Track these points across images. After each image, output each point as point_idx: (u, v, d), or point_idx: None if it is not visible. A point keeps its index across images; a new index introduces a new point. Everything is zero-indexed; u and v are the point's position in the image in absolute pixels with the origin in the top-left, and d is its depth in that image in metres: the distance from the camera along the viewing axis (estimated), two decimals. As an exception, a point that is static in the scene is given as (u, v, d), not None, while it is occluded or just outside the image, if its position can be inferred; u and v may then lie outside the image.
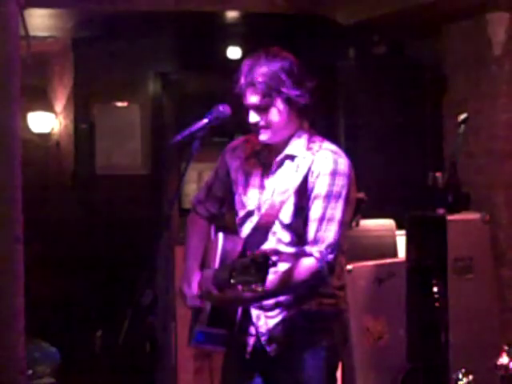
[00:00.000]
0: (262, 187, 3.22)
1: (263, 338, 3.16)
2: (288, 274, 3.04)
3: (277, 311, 3.16)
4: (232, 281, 2.90)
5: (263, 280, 2.84)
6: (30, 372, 5.24)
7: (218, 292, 3.05)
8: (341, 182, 3.09)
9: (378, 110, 6.74)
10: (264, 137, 3.15)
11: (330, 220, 3.06)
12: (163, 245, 5.06)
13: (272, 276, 3.01)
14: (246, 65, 3.11)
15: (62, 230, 7.30)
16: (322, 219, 3.06)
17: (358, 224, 5.08)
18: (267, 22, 6.70)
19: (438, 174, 5.23)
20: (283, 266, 3.07)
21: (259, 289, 2.87)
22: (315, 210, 3.07)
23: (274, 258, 2.95)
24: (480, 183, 5.70)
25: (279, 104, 3.10)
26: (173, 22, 6.72)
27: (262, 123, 3.13)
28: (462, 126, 5.00)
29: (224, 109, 3.15)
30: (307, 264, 3.04)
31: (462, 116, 5.03)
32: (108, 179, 7.43)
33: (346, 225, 3.15)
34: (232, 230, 3.29)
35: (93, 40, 7.14)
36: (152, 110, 7.51)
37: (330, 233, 3.06)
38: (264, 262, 2.85)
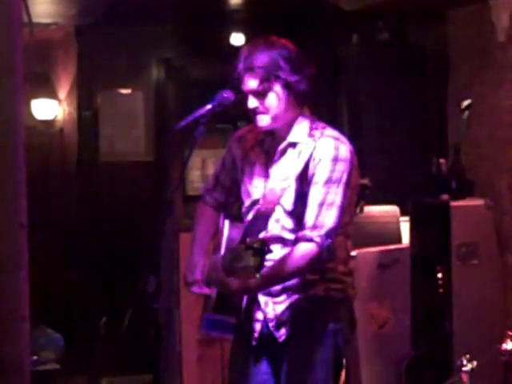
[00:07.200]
0: (266, 176, 3.22)
1: (271, 324, 3.17)
2: (287, 259, 3.05)
3: (284, 296, 3.16)
4: (229, 267, 2.91)
5: (259, 266, 2.84)
6: (35, 358, 5.26)
7: (226, 277, 3.05)
8: (341, 168, 3.08)
9: (382, 97, 6.72)
10: (263, 122, 3.15)
11: (330, 205, 3.06)
12: (167, 231, 5.06)
13: (271, 262, 3.02)
14: (245, 51, 3.13)
15: (66, 217, 7.32)
16: (321, 204, 3.06)
17: (362, 210, 5.08)
18: (271, 7, 6.68)
19: (442, 161, 5.23)
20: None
21: (257, 275, 2.87)
22: (315, 195, 3.07)
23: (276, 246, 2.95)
24: (484, 169, 5.69)
25: (278, 89, 3.10)
26: (176, 7, 6.70)
27: (261, 108, 3.13)
28: (466, 113, 5.00)
29: (228, 95, 3.15)
30: (307, 248, 3.04)
31: (466, 102, 5.02)
32: (111, 166, 7.44)
33: (348, 210, 3.16)
34: (240, 218, 3.30)
35: (96, 27, 7.13)
36: (155, 96, 7.52)
37: (329, 218, 3.06)
38: (260, 249, 2.85)
